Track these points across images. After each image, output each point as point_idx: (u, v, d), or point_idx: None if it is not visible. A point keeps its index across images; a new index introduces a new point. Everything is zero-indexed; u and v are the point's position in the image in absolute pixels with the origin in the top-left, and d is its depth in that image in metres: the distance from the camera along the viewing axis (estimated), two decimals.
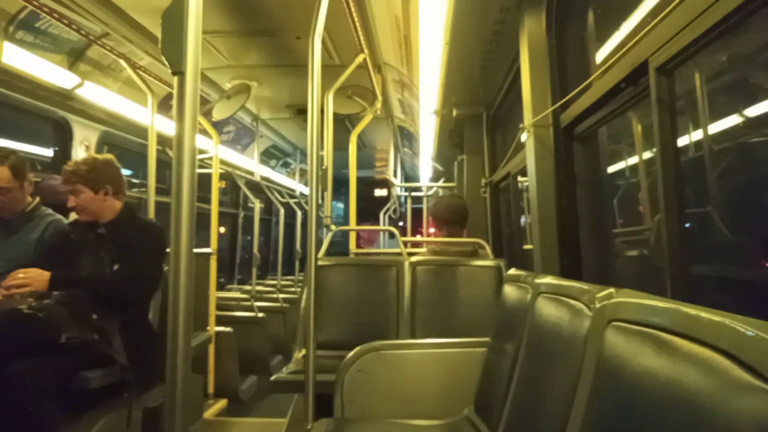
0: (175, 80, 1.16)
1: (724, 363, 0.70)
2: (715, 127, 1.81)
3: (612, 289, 1.17)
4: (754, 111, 1.74)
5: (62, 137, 3.79)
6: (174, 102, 1.18)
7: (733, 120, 1.84)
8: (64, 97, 3.60)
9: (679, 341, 0.81)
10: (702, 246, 1.83)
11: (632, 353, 0.93)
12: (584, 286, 1.33)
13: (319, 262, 3.08)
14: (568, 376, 1.20)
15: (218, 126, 5.16)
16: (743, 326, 0.69)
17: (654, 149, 2.16)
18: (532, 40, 2.48)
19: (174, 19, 1.16)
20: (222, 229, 7.67)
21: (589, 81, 1.84)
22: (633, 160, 2.51)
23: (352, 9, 2.82)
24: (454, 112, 4.40)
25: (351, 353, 2.34)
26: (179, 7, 1.16)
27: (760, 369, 0.64)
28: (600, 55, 2.27)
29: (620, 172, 2.65)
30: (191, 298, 1.19)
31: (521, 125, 2.59)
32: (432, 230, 3.79)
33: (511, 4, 2.58)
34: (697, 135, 1.79)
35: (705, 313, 0.78)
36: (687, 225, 1.57)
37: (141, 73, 3.55)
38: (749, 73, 1.77)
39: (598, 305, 1.17)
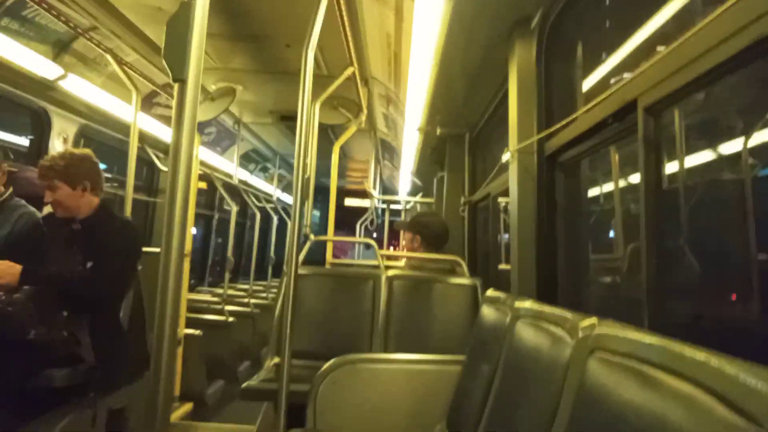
0: (175, 87, 1.17)
1: (707, 401, 0.73)
2: (687, 163, 1.88)
3: (595, 319, 1.20)
4: (724, 149, 1.81)
5: (40, 128, 3.71)
6: (173, 108, 1.18)
7: (704, 157, 1.91)
8: (45, 88, 3.54)
9: (662, 376, 0.84)
10: (675, 278, 1.88)
11: (614, 384, 0.96)
12: (566, 313, 1.36)
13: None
14: (547, 402, 1.22)
15: (200, 127, 5.12)
16: (728, 365, 0.73)
17: (627, 178, 2.24)
18: (521, 68, 2.53)
19: (178, 26, 1.16)
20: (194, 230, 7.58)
21: (577, 114, 1.89)
22: (607, 187, 2.57)
23: (345, 22, 2.84)
24: (438, 131, 4.45)
25: (326, 365, 2.34)
26: (184, 15, 1.17)
27: (744, 408, 0.66)
28: (587, 87, 2.34)
29: (594, 199, 2.71)
30: (179, 301, 1.20)
31: (506, 148, 2.64)
32: (403, 243, 3.80)
33: (502, 32, 2.63)
34: (671, 168, 1.85)
35: (690, 350, 0.81)
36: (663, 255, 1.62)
37: (126, 69, 3.51)
38: (720, 113, 1.85)
39: (580, 334, 1.20)
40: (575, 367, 1.15)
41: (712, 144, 1.89)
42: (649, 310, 1.42)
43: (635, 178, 1.86)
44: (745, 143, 1.63)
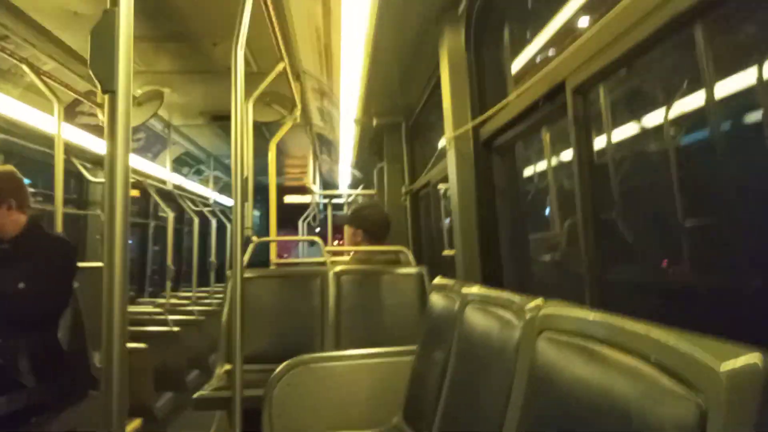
0: (106, 98, 1.12)
1: (650, 371, 0.76)
2: (615, 136, 1.95)
3: (540, 300, 1.23)
4: (647, 121, 1.89)
5: None
6: (105, 121, 1.13)
7: (630, 129, 1.99)
8: None
9: (607, 351, 0.87)
10: (611, 250, 1.96)
11: (564, 362, 0.99)
12: (513, 296, 1.39)
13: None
14: (501, 385, 1.25)
15: None
16: (668, 335, 0.76)
17: (560, 156, 2.31)
18: (451, 55, 2.56)
19: (103, 35, 1.11)
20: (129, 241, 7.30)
21: (509, 99, 1.93)
22: (541, 165, 2.64)
23: (273, 17, 2.78)
24: (375, 121, 4.45)
25: (279, 368, 2.31)
26: (109, 23, 1.12)
27: (683, 376, 0.70)
28: (516, 70, 2.39)
29: (530, 179, 2.78)
30: (125, 314, 1.15)
31: (443, 137, 2.67)
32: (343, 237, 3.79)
33: (431, 19, 2.65)
34: (600, 143, 1.92)
35: (631, 324, 0.85)
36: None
37: (45, 78, 3.33)
38: (643, 85, 1.92)
39: (527, 316, 1.23)
40: (525, 349, 1.19)
41: (637, 117, 1.96)
42: (590, 281, 1.47)
43: (568, 155, 1.92)
44: (666, 115, 1.69)
